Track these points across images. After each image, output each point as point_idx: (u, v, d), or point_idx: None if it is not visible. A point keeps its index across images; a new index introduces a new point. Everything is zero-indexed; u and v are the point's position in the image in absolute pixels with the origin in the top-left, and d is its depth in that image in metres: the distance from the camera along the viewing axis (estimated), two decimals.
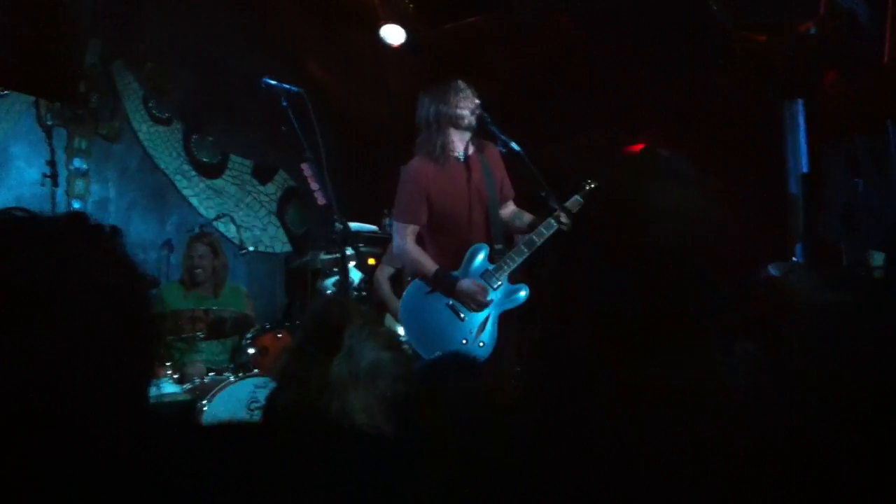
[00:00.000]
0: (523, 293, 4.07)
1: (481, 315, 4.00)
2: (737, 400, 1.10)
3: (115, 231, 0.96)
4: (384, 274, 5.08)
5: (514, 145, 4.07)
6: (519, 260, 4.07)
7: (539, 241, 4.06)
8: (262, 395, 3.76)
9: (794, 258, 4.89)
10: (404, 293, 4.13)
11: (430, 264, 3.98)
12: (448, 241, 4.05)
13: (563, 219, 4.00)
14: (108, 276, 0.91)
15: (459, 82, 4.06)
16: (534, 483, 1.09)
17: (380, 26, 5.93)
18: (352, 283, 4.79)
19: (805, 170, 5.32)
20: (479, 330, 3.97)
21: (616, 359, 1.16)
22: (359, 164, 6.21)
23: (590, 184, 4.16)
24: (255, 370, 4.40)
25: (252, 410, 3.89)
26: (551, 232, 4.05)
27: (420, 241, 4.07)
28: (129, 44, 5.54)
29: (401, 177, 4.11)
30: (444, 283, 3.96)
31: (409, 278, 4.27)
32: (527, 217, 4.25)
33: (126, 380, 0.90)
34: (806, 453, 1.03)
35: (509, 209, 4.33)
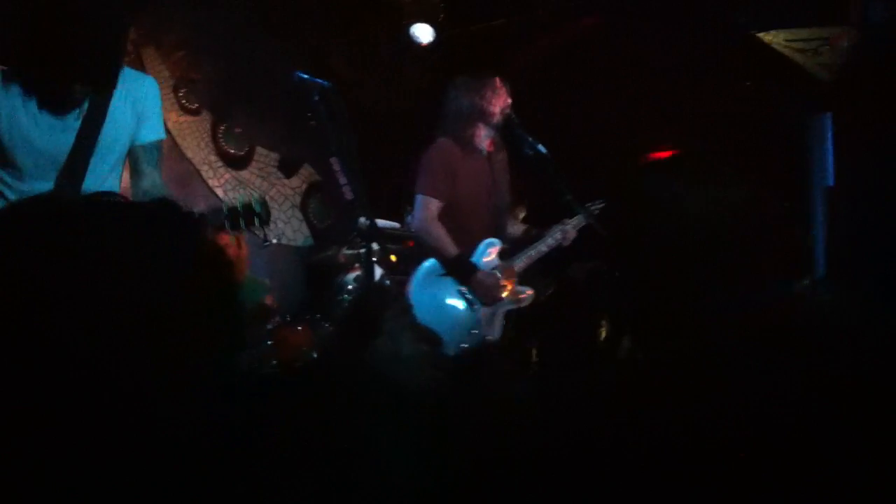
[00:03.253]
0: (529, 293, 4.09)
1: (490, 310, 4.00)
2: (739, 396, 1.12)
3: (203, 218, 1.01)
4: None
5: (540, 148, 4.11)
6: (526, 262, 4.10)
7: (546, 249, 4.10)
8: None
9: (816, 273, 4.87)
10: (418, 269, 4.10)
11: (452, 247, 3.97)
12: (458, 228, 4.06)
13: (571, 231, 4.04)
14: (198, 259, 0.95)
15: (497, 80, 4.10)
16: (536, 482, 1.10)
17: (407, 24, 5.95)
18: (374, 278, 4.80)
19: (830, 183, 5.29)
20: (486, 323, 3.98)
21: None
22: (380, 159, 6.24)
23: (595, 204, 4.19)
24: (274, 362, 4.42)
25: None
26: (557, 241, 4.09)
27: None
28: (161, 32, 5.58)
29: (427, 152, 4.12)
30: (463, 269, 3.97)
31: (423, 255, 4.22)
32: (519, 227, 4.29)
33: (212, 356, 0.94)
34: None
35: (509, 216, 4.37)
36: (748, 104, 5.40)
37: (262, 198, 2.91)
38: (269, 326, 4.57)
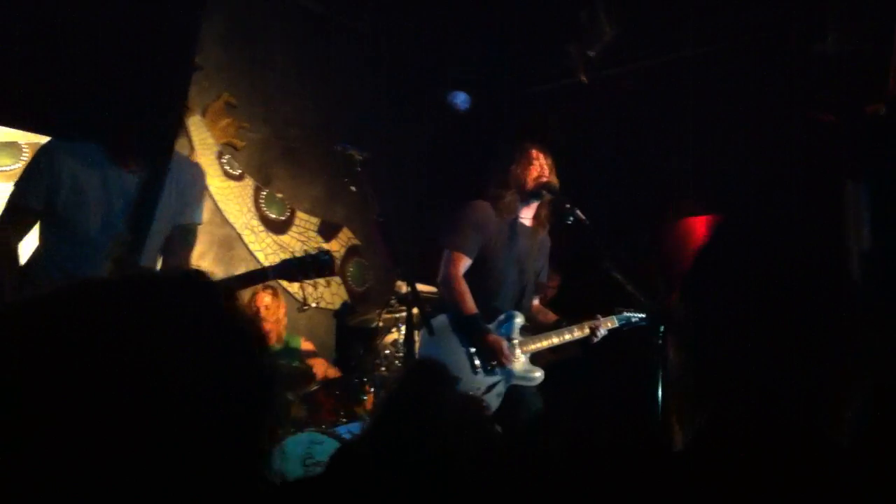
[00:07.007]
0: (538, 374, 4.04)
1: (493, 378, 3.95)
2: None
3: (230, 291, 0.94)
4: None
5: (578, 213, 4.07)
6: (547, 344, 4.06)
7: (569, 339, 4.08)
8: (317, 451, 3.76)
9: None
10: (434, 320, 3.96)
11: (471, 305, 3.94)
12: (480, 290, 4.01)
13: (600, 332, 4.03)
14: (224, 337, 0.88)
15: (534, 152, 4.10)
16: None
17: (447, 92, 6.09)
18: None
19: (866, 248, 5.24)
20: (485, 391, 3.92)
21: None
22: (419, 225, 6.31)
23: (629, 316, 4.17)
24: (310, 426, 4.42)
25: (307, 466, 3.85)
26: (584, 336, 4.08)
27: None
28: (208, 99, 5.76)
29: (461, 209, 4.13)
30: (477, 329, 3.93)
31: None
32: (551, 316, 4.27)
33: (238, 445, 0.85)
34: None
35: (537, 300, 4.36)
36: (786, 165, 5.38)
37: (327, 249, 3.03)
38: (305, 390, 4.60)
